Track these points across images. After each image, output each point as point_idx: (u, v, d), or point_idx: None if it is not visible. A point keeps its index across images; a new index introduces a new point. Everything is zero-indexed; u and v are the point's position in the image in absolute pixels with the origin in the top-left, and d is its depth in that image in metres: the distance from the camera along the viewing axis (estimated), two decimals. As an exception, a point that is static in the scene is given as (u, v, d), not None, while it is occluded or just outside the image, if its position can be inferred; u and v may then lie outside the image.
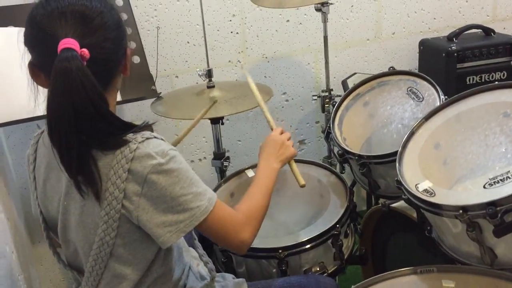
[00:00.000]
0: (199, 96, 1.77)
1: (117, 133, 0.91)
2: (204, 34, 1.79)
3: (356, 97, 1.71)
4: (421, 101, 1.55)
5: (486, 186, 1.07)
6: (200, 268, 1.17)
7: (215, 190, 1.60)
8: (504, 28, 2.38)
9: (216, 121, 1.80)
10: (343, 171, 1.69)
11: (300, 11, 2.16)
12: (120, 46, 0.94)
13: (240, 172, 1.72)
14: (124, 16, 1.77)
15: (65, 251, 1.06)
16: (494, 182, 1.07)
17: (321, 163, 1.74)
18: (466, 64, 2.04)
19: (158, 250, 1.00)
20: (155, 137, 0.93)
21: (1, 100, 1.51)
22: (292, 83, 2.26)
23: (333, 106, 1.81)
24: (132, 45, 1.76)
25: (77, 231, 0.98)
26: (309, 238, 1.36)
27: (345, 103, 1.72)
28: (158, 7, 2.00)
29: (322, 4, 1.86)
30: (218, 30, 2.10)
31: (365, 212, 1.62)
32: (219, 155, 1.86)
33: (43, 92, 0.94)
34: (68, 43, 0.84)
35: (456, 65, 2.03)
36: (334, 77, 2.21)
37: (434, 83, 1.55)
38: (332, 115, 1.69)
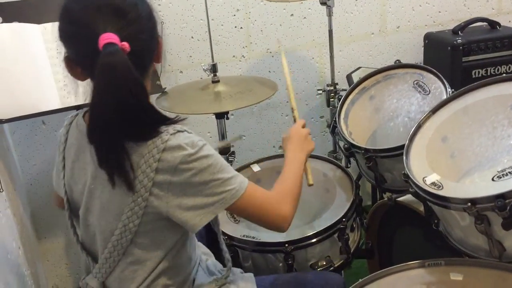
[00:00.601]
0: (204, 91, 1.76)
1: (154, 124, 0.93)
2: (209, 29, 1.78)
3: (362, 91, 1.71)
4: (428, 94, 1.54)
5: (494, 179, 1.07)
6: (209, 264, 1.17)
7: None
8: (510, 21, 2.36)
9: (221, 116, 1.80)
10: (349, 165, 1.69)
11: (304, 5, 2.15)
12: (153, 36, 0.96)
13: (245, 167, 1.72)
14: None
15: (83, 235, 1.07)
16: (502, 175, 1.06)
17: (327, 157, 1.74)
18: (471, 58, 2.03)
19: (177, 240, 1.01)
20: (186, 131, 0.95)
21: (7, 96, 1.51)
22: (296, 77, 2.25)
23: (338, 100, 1.80)
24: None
25: (100, 215, 0.99)
26: (315, 232, 1.36)
27: (350, 97, 1.71)
28: (162, 2, 1.99)
29: (327, -3, 1.85)
30: (222, 25, 2.09)
31: (370, 207, 1.62)
32: (224, 150, 1.86)
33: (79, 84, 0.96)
34: (110, 37, 0.85)
35: (462, 59, 2.02)
36: (339, 72, 2.20)
37: (440, 76, 1.54)
38: (338, 109, 1.69)
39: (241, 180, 0.99)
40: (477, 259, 1.12)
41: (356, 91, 1.72)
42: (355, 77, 2.05)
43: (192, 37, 2.07)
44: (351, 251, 1.43)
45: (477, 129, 1.22)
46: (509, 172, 1.06)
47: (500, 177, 1.06)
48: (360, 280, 1.13)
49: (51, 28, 1.55)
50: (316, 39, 2.22)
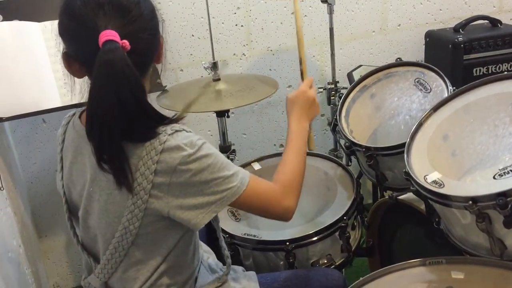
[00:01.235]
0: (205, 89, 1.76)
1: (152, 124, 0.91)
2: (209, 27, 1.78)
3: (363, 88, 1.70)
4: (429, 92, 1.54)
5: (496, 177, 1.07)
6: (210, 261, 1.17)
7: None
8: (511, 19, 2.36)
9: (221, 114, 1.80)
10: (350, 164, 1.68)
11: (305, 3, 2.14)
12: (155, 36, 0.95)
13: (246, 165, 1.72)
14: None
15: (83, 236, 1.07)
16: (504, 173, 1.06)
17: (328, 155, 1.74)
18: (472, 56, 2.02)
19: (178, 240, 1.01)
20: (184, 130, 0.94)
21: (7, 94, 1.51)
22: (297, 76, 2.24)
23: (339, 98, 1.80)
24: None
25: (100, 218, 0.98)
26: (316, 230, 1.36)
27: (351, 95, 1.71)
28: (163, 0, 1.99)
29: (328, -5, 1.84)
30: (222, 23, 2.09)
31: (370, 205, 1.62)
32: (225, 148, 1.86)
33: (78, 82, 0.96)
34: (110, 34, 0.84)
35: (463, 57, 2.01)
36: (340, 70, 2.19)
37: (442, 74, 1.53)
38: (339, 107, 1.68)
39: (242, 176, 0.98)
40: (478, 257, 1.12)
41: (357, 89, 1.72)
42: (356, 75, 2.04)
43: (192, 35, 2.06)
44: (352, 249, 1.43)
45: (479, 127, 1.22)
46: (511, 170, 1.05)
47: (502, 175, 1.06)
48: (361, 278, 1.13)
49: (52, 26, 1.55)
50: (317, 37, 2.21)
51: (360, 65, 2.15)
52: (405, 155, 1.25)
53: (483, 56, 2.03)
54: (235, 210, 1.50)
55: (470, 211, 1.03)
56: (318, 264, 1.37)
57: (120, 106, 0.85)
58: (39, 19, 1.56)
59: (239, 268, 1.20)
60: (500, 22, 2.13)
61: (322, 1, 1.87)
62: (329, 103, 2.03)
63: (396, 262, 1.17)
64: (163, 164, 0.90)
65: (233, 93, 1.72)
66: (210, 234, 1.19)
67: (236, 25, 2.11)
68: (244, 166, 1.71)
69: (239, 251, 1.40)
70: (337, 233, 1.39)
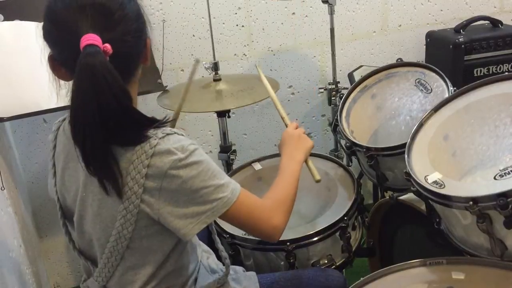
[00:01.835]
0: (205, 89, 1.76)
1: (140, 128, 0.90)
2: (210, 27, 1.78)
3: (364, 89, 1.70)
4: (430, 93, 1.54)
5: (496, 178, 1.07)
6: (210, 262, 1.17)
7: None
8: (512, 20, 2.36)
9: (222, 114, 1.80)
10: (350, 164, 1.68)
11: (306, 3, 2.15)
12: (141, 38, 0.93)
13: (247, 165, 1.72)
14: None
15: (79, 241, 1.06)
16: (504, 173, 1.06)
17: (328, 155, 1.73)
18: (473, 56, 2.02)
19: (174, 244, 1.00)
20: (175, 133, 0.93)
21: (8, 94, 1.51)
22: (298, 76, 2.25)
23: (340, 98, 1.80)
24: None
25: (94, 223, 0.97)
26: (317, 230, 1.35)
27: (352, 95, 1.71)
28: (164, 0, 1.99)
29: (329, -4, 1.84)
30: (223, 23, 2.09)
31: (371, 206, 1.62)
32: (226, 149, 1.86)
33: (63, 85, 0.95)
34: (91, 38, 0.83)
35: (464, 57, 2.01)
36: (340, 70, 2.19)
37: (442, 74, 1.54)
38: (340, 107, 1.69)
39: (233, 188, 0.96)
40: (479, 258, 1.12)
41: (357, 89, 1.72)
42: (357, 76, 2.04)
43: (193, 36, 2.07)
44: (353, 249, 1.43)
45: (479, 127, 1.22)
46: (511, 171, 1.05)
47: (502, 176, 1.06)
48: (362, 278, 1.13)
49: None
50: (317, 38, 2.21)
51: (361, 66, 2.15)
52: (406, 156, 1.25)
53: (484, 56, 2.03)
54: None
55: (470, 211, 1.03)
56: (319, 264, 1.36)
57: (102, 111, 0.84)
58: (40, 19, 1.55)
59: (240, 269, 1.20)
60: (501, 23, 2.13)
61: (323, 2, 1.87)
62: (329, 104, 2.03)
63: (396, 262, 1.17)
64: (154, 168, 0.89)
65: (234, 93, 1.72)
66: (210, 234, 1.18)
67: (237, 25, 2.11)
68: (245, 166, 1.71)
69: (239, 251, 1.39)
70: (337, 234, 1.39)
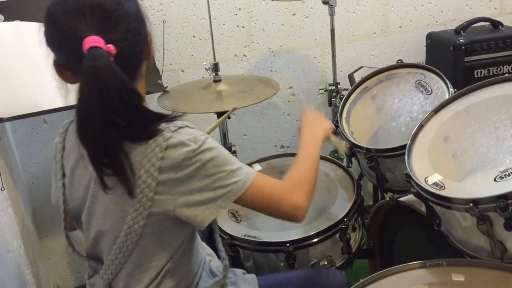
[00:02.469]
0: (206, 90, 1.76)
1: (150, 124, 0.91)
2: (210, 28, 1.78)
3: (364, 90, 1.70)
4: (430, 94, 1.54)
5: (496, 179, 1.07)
6: (212, 264, 1.16)
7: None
8: (512, 21, 2.36)
9: (222, 115, 1.79)
10: (350, 165, 1.68)
11: (306, 4, 2.15)
12: (141, 35, 0.94)
13: (247, 166, 1.71)
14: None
15: (85, 239, 1.06)
16: (505, 175, 1.06)
17: (328, 156, 1.73)
18: (474, 57, 2.02)
19: (182, 242, 1.00)
20: (187, 126, 0.94)
21: (9, 94, 1.51)
22: (298, 77, 2.24)
23: (340, 100, 1.80)
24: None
25: (105, 219, 0.98)
26: (317, 232, 1.35)
27: (352, 96, 1.71)
28: (164, 1, 1.99)
29: (329, -3, 1.84)
30: (224, 24, 2.09)
31: (371, 207, 1.62)
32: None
33: (71, 87, 0.95)
34: (94, 41, 0.83)
35: (464, 59, 2.01)
36: (341, 71, 2.19)
37: (443, 76, 1.54)
38: (340, 108, 1.69)
39: (247, 171, 0.96)
40: (479, 259, 1.12)
41: (358, 90, 1.72)
42: (357, 77, 2.04)
43: (194, 36, 2.06)
44: (353, 251, 1.43)
45: (480, 129, 1.22)
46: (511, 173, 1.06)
47: (503, 178, 1.06)
48: (362, 280, 1.13)
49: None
50: (318, 39, 2.21)
51: (361, 67, 2.15)
52: (406, 157, 1.25)
53: (484, 58, 2.03)
54: (235, 211, 1.50)
55: (471, 213, 1.03)
56: (319, 265, 1.36)
57: (109, 112, 0.84)
58: (40, 20, 1.55)
59: (240, 271, 1.20)
60: (501, 24, 2.13)
61: (323, 3, 1.88)
62: (330, 105, 2.03)
63: (396, 264, 1.17)
64: (168, 161, 0.90)
65: (234, 94, 1.72)
66: (211, 235, 1.18)
67: (237, 26, 2.11)
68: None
69: (239, 253, 1.39)
70: (337, 235, 1.39)
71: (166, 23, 1.99)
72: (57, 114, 1.59)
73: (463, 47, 2.00)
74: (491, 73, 2.04)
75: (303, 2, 2.13)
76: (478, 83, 1.30)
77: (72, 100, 0.89)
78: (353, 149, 1.55)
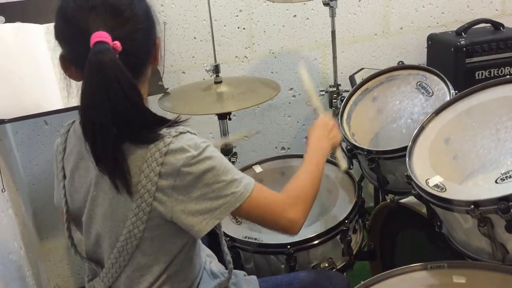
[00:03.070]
0: (206, 92, 1.76)
1: (151, 127, 0.91)
2: (211, 29, 1.78)
3: (365, 92, 1.70)
4: (431, 96, 1.54)
5: (498, 181, 1.06)
6: (212, 266, 1.16)
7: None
8: (513, 23, 2.36)
9: (223, 116, 1.80)
10: (351, 167, 1.68)
11: (307, 6, 2.15)
12: (150, 37, 0.95)
13: (248, 168, 1.72)
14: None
15: (85, 242, 1.06)
16: (506, 177, 1.05)
17: (329, 158, 1.73)
18: (475, 59, 2.02)
19: (183, 245, 1.00)
20: (188, 132, 0.94)
21: (9, 96, 1.51)
22: (299, 78, 2.23)
23: (341, 101, 1.79)
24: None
25: (104, 222, 0.98)
26: (317, 233, 1.35)
27: (353, 98, 1.70)
28: (165, 2, 1.99)
29: (330, -2, 1.84)
30: (225, 25, 2.09)
31: (372, 209, 1.61)
32: (226, 151, 1.85)
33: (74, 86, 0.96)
34: (101, 36, 0.84)
35: (465, 60, 2.01)
36: (341, 73, 2.19)
37: (444, 77, 1.53)
38: (341, 110, 1.68)
39: (246, 182, 0.96)
40: (480, 261, 1.11)
41: (358, 92, 1.72)
42: (358, 78, 2.04)
43: (194, 38, 2.07)
44: (353, 253, 1.43)
45: (481, 131, 1.22)
46: (513, 175, 1.05)
47: (504, 180, 1.06)
48: (362, 282, 1.13)
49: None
50: (318, 40, 2.21)
51: (362, 68, 2.15)
52: (407, 159, 1.25)
53: (485, 59, 2.02)
54: (236, 213, 1.50)
55: (472, 215, 1.03)
56: (319, 267, 1.36)
57: (113, 108, 0.84)
58: (41, 21, 1.56)
59: (241, 273, 1.19)
60: (503, 26, 2.13)
61: (324, 4, 1.87)
62: (330, 106, 2.03)
63: (397, 266, 1.17)
64: (168, 166, 0.90)
65: (235, 95, 1.72)
66: (212, 237, 1.18)
67: (238, 27, 2.11)
68: (245, 169, 1.71)
69: (240, 254, 1.39)
70: (338, 237, 1.38)
71: (167, 24, 1.99)
72: (58, 115, 1.59)
73: (464, 49, 2.00)
74: (492, 75, 2.04)
75: (304, 3, 2.13)
76: (479, 84, 1.30)
77: (74, 102, 0.89)
78: (349, 170, 1.57)
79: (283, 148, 2.33)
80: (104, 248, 1.01)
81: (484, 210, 1.01)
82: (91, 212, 1.00)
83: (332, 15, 1.89)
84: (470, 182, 1.14)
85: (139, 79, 0.94)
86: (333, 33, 1.92)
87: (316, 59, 2.24)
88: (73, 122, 1.05)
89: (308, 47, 2.22)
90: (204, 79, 2.03)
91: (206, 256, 1.17)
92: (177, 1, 2.00)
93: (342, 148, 1.51)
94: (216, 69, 1.77)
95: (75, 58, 0.91)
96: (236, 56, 2.14)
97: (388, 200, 1.45)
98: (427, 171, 1.19)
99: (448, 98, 1.44)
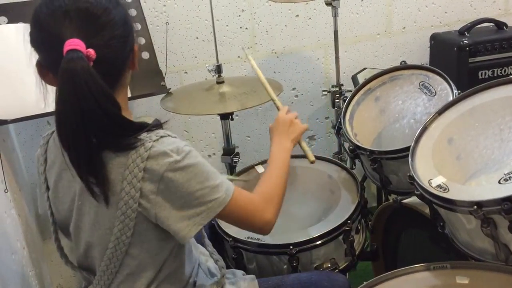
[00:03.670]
0: (209, 92, 1.76)
1: (128, 134, 0.89)
2: (213, 29, 1.78)
3: (368, 92, 1.70)
4: (434, 96, 1.53)
5: (501, 182, 1.06)
6: (209, 264, 1.16)
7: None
8: (517, 22, 2.35)
9: (225, 116, 1.80)
10: (354, 167, 1.68)
11: (309, 5, 2.14)
12: (126, 43, 0.92)
13: (250, 168, 1.71)
14: (133, 12, 1.76)
15: (75, 251, 1.06)
16: (509, 178, 1.05)
17: (332, 158, 1.73)
18: (478, 59, 2.02)
19: (172, 247, 1.00)
20: (169, 135, 0.93)
21: (12, 96, 1.51)
22: (301, 78, 2.24)
23: (344, 101, 1.79)
24: (141, 40, 1.75)
25: (92, 231, 0.97)
26: (320, 234, 1.35)
27: (356, 98, 1.70)
28: (167, 2, 1.99)
29: (333, -2, 1.84)
30: (227, 25, 2.09)
31: (375, 209, 1.61)
32: (229, 151, 1.86)
33: (52, 90, 0.93)
34: (73, 44, 0.82)
35: (468, 60, 2.01)
36: (344, 73, 2.19)
37: (447, 77, 1.53)
38: (343, 110, 1.68)
39: (226, 187, 0.97)
40: (483, 262, 1.11)
41: (361, 92, 1.71)
42: (361, 78, 2.04)
43: (197, 38, 2.07)
44: (356, 253, 1.42)
45: (484, 131, 1.21)
46: (516, 175, 1.05)
47: (507, 180, 1.05)
48: (365, 282, 1.13)
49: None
50: (321, 40, 2.21)
51: (365, 68, 2.15)
52: (410, 159, 1.24)
53: (488, 59, 2.02)
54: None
55: (475, 216, 1.02)
56: (322, 268, 1.36)
57: (85, 117, 0.83)
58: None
59: (239, 272, 1.20)
60: (506, 25, 2.13)
61: (326, 4, 1.87)
62: (333, 106, 2.02)
63: (400, 266, 1.16)
64: (150, 172, 0.89)
65: (237, 95, 1.72)
66: (212, 237, 1.18)
67: (241, 27, 2.11)
68: (248, 169, 1.71)
69: (242, 254, 1.39)
70: (341, 237, 1.38)
71: (169, 24, 1.99)
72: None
73: (467, 48, 1.99)
74: (495, 74, 2.03)
75: (306, 3, 2.13)
76: (482, 84, 1.29)
77: (52, 102, 0.87)
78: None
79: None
80: (94, 256, 1.01)
81: (487, 211, 1.01)
82: (78, 222, 0.99)
83: (335, 15, 1.88)
84: (473, 183, 1.13)
85: (116, 86, 0.93)
86: (336, 33, 1.92)
87: (318, 59, 2.24)
88: (53, 132, 1.04)
89: (310, 47, 2.21)
90: (206, 79, 2.03)
91: (200, 255, 1.17)
92: (179, 1, 2.00)
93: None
94: (218, 69, 1.77)
95: (51, 65, 0.89)
96: (238, 56, 2.14)
97: (391, 201, 1.45)
98: (430, 171, 1.19)
99: (451, 98, 1.44)
